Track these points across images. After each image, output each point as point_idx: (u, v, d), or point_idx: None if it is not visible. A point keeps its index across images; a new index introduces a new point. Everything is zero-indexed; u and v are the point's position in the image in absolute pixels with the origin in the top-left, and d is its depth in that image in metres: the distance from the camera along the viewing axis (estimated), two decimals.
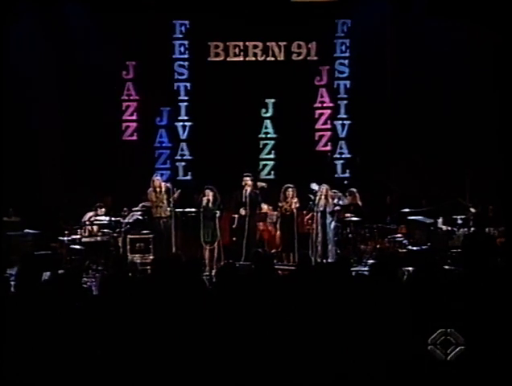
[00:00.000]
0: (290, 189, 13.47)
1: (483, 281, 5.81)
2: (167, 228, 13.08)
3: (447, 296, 5.62)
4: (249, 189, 13.22)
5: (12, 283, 6.21)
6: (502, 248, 11.76)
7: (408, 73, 15.05)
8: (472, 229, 12.39)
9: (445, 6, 14.44)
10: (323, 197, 13.20)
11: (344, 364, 5.25)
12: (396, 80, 15.27)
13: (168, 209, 13.12)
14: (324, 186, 13.32)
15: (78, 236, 13.25)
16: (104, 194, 14.38)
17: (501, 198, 12.68)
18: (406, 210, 13.48)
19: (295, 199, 13.39)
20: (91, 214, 13.58)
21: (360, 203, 13.61)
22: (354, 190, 13.72)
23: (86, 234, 13.38)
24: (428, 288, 5.79)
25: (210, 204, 13.09)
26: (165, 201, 13.17)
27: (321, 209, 13.19)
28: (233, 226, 13.37)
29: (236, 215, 13.27)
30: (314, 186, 13.47)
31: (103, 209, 13.57)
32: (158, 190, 13.24)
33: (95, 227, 13.50)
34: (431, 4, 14.63)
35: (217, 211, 13.11)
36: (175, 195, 13.10)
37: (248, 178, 13.29)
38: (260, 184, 13.77)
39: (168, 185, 13.27)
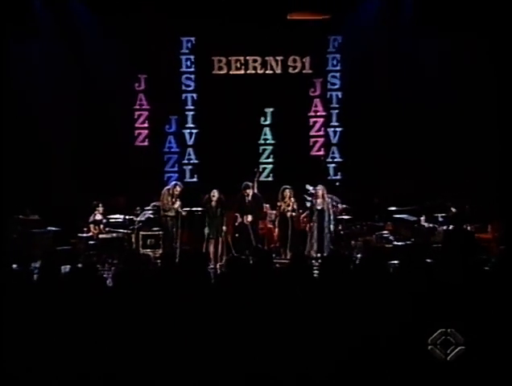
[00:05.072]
0: (287, 190, 13.46)
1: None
2: (176, 226, 13.11)
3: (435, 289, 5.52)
4: (250, 194, 13.24)
5: (35, 275, 6.23)
6: (481, 243, 11.81)
7: (396, 84, 15.06)
8: (452, 226, 12.41)
9: (432, 23, 14.44)
10: (320, 196, 13.20)
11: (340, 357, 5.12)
12: (384, 90, 15.25)
13: (176, 207, 13.13)
14: (321, 187, 13.32)
15: (91, 233, 13.26)
16: (118, 194, 14.39)
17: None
18: (393, 209, 13.50)
19: (293, 199, 13.39)
20: (95, 213, 13.51)
21: None
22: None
23: (96, 232, 13.34)
24: (412, 279, 5.76)
25: (214, 203, 13.12)
26: (176, 205, 13.16)
27: (319, 208, 13.19)
28: (236, 224, 13.36)
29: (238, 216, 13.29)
30: (309, 187, 13.47)
31: (100, 205, 13.50)
32: (173, 196, 13.20)
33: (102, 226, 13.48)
34: (418, 20, 14.64)
35: (222, 211, 13.12)
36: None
37: (249, 190, 13.26)
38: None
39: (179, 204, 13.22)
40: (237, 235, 13.36)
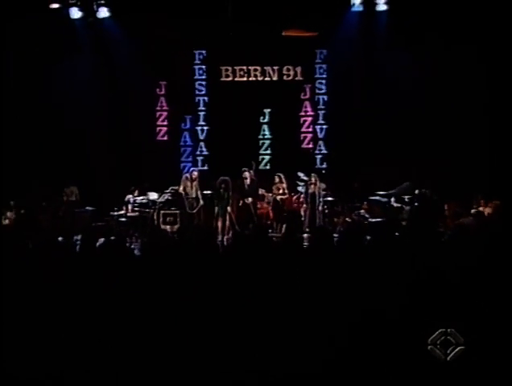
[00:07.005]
0: (277, 176, 13.63)
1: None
2: (197, 204, 13.19)
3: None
4: (248, 180, 13.35)
5: (77, 246, 6.32)
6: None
7: (372, 89, 15.08)
8: (416, 204, 12.47)
9: (402, 36, 14.54)
10: (313, 182, 13.28)
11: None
12: (362, 94, 15.28)
13: (195, 189, 13.25)
14: (315, 175, 13.41)
15: (123, 212, 13.39)
16: (142, 180, 14.49)
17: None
18: (369, 192, 13.56)
19: (284, 185, 13.51)
20: (129, 196, 13.68)
21: None
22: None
23: (128, 211, 13.45)
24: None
25: (222, 190, 13.20)
26: (193, 189, 13.26)
27: (311, 192, 13.27)
28: (239, 204, 13.45)
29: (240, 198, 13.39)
30: (300, 174, 13.57)
31: (137, 191, 13.67)
32: (192, 180, 13.30)
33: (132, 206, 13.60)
34: (391, 35, 14.69)
35: (228, 194, 13.21)
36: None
37: (246, 173, 13.38)
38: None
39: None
40: (239, 213, 13.46)
